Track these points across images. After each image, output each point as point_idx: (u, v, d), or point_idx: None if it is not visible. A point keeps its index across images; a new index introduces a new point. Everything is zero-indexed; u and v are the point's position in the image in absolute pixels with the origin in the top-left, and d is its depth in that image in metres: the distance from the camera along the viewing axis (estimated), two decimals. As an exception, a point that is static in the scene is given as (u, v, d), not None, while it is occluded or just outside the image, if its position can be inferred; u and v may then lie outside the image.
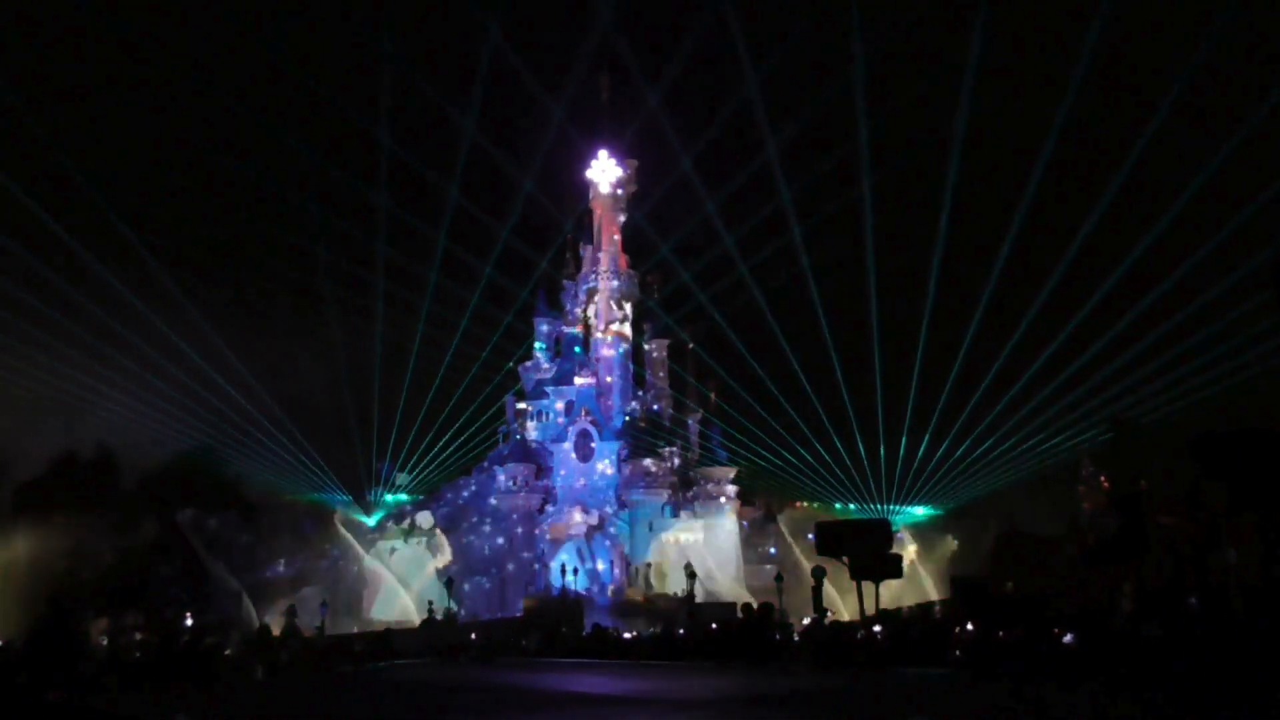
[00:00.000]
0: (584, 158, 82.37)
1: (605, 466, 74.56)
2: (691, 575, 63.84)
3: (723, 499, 74.02)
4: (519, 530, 71.21)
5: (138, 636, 44.89)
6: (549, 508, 72.39)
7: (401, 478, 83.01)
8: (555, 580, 68.50)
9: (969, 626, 23.16)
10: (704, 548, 71.87)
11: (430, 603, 65.97)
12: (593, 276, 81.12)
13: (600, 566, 70.04)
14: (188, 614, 57.37)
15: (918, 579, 71.78)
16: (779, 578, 66.43)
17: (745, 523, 75.05)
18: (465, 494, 75.59)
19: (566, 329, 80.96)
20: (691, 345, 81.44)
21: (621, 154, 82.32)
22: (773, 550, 75.23)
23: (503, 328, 78.64)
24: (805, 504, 77.86)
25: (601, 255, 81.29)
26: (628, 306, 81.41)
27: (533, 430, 76.93)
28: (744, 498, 76.07)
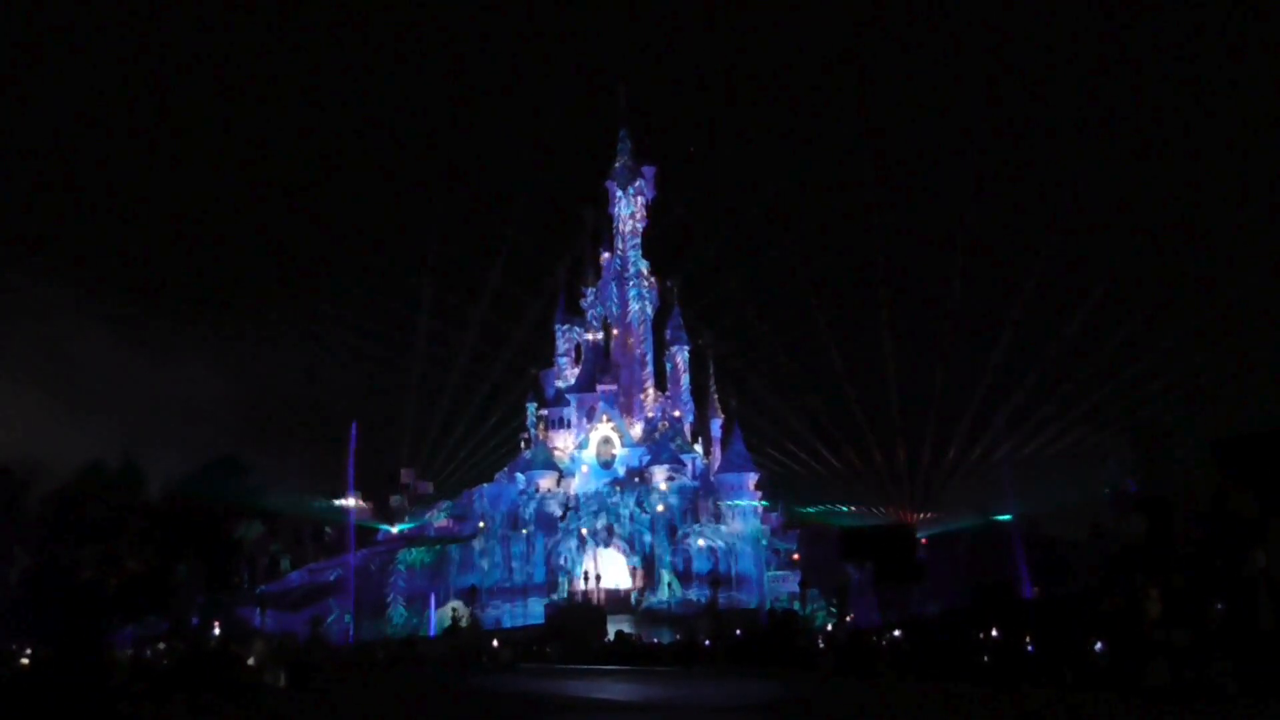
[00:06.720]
0: (603, 164, 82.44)
1: (626, 472, 74.38)
2: (714, 582, 63.55)
3: (745, 504, 73.63)
4: (541, 536, 71.15)
5: (163, 645, 45.21)
6: (570, 514, 72.27)
7: (424, 485, 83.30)
8: (578, 587, 68.34)
9: (994, 633, 23.03)
10: (727, 553, 71.52)
11: (453, 610, 66.05)
12: (613, 282, 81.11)
13: (622, 572, 69.85)
14: (214, 623, 57.69)
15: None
16: (802, 584, 66.02)
17: (768, 528, 74.61)
18: (487, 501, 75.59)
19: (587, 335, 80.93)
20: (713, 350, 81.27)
21: (641, 160, 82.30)
22: (796, 556, 74.76)
23: (519, 335, 78.94)
24: (829, 509, 77.48)
25: (621, 261, 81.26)
26: (648, 312, 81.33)
27: (554, 436, 76.96)
28: (767, 503, 75.67)
